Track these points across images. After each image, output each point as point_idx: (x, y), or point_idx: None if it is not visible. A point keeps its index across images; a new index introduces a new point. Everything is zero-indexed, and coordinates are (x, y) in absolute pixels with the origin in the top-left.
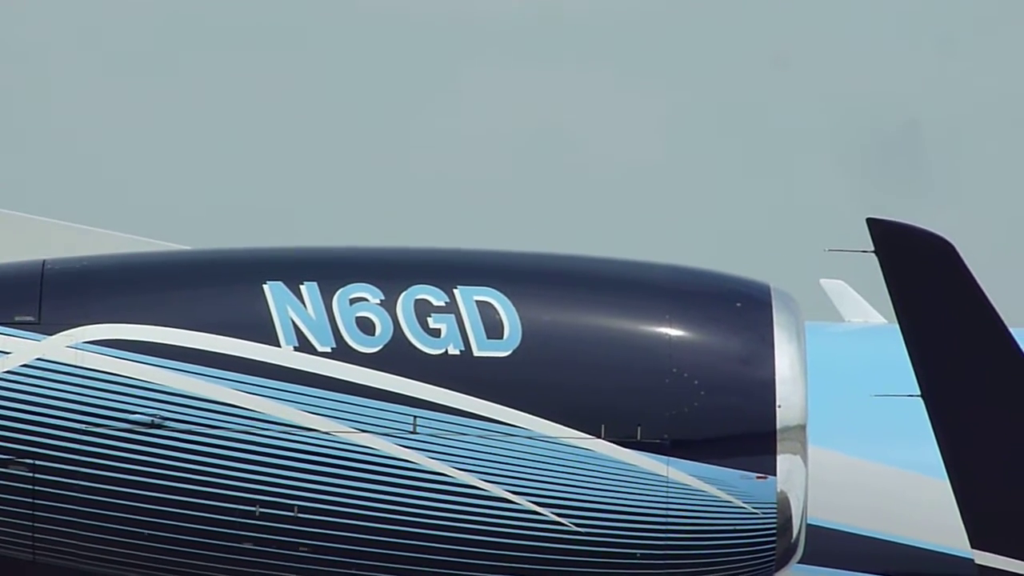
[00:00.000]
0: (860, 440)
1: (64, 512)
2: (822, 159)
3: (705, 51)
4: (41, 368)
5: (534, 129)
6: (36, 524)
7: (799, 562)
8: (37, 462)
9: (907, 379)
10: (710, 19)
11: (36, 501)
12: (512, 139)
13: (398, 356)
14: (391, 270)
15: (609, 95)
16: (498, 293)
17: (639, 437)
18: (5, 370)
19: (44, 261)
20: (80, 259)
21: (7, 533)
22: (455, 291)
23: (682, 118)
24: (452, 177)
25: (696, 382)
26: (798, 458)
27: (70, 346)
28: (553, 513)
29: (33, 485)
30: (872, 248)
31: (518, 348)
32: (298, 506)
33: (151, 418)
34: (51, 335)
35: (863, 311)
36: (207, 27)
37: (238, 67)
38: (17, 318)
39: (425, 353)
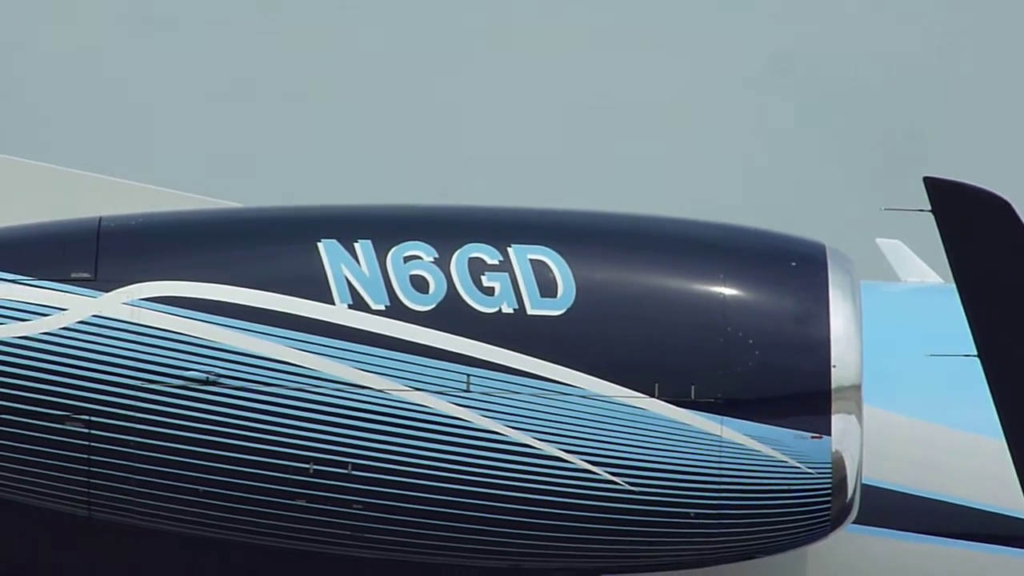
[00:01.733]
0: (916, 399)
1: (119, 468)
2: (876, 117)
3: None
4: (97, 325)
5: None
6: (92, 480)
7: (854, 522)
8: (93, 418)
9: (963, 338)
10: None
11: (92, 457)
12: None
13: (452, 314)
14: (445, 229)
15: (658, 54)
16: (552, 252)
17: (693, 396)
18: (61, 326)
19: (100, 218)
20: (135, 216)
21: (63, 489)
22: (509, 249)
23: (732, 74)
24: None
25: (751, 341)
26: (853, 418)
27: (126, 303)
28: (606, 472)
29: (89, 441)
30: (929, 207)
31: (572, 306)
32: (352, 463)
33: (206, 375)
34: (107, 292)
35: (920, 271)
36: None
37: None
38: (73, 275)
39: (479, 311)
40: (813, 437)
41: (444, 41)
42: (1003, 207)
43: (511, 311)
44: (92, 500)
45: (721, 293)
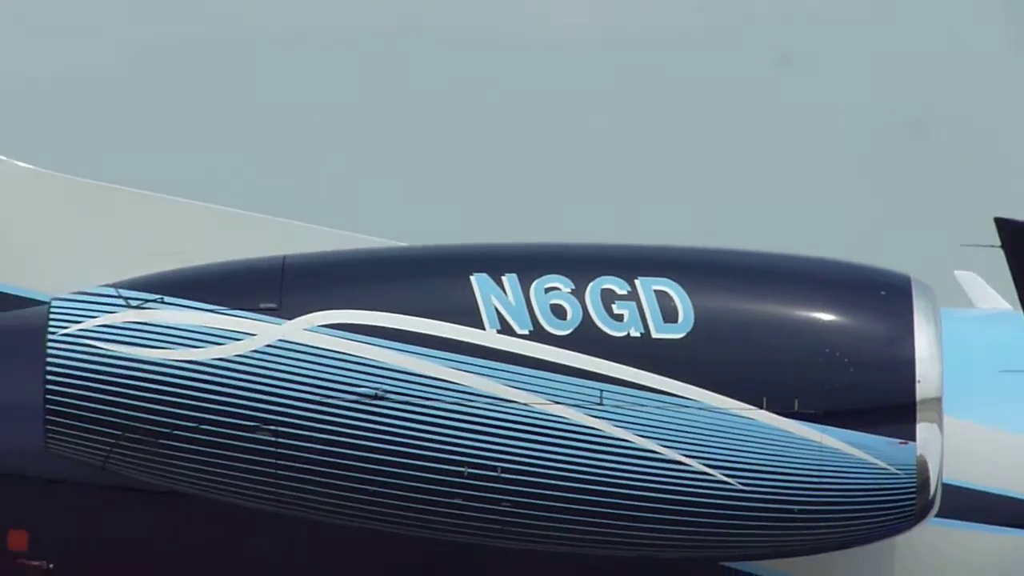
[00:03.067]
0: (989, 410)
1: (303, 472)
2: (954, 156)
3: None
4: (281, 348)
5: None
6: (280, 482)
7: (936, 516)
8: (280, 428)
9: None
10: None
11: (279, 462)
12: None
13: (586, 338)
14: (580, 263)
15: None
16: (673, 283)
17: (796, 408)
18: (251, 349)
19: (284, 256)
20: (314, 255)
21: (255, 490)
22: (636, 281)
23: (816, 115)
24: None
25: (846, 360)
26: (935, 426)
27: (307, 329)
28: (721, 474)
29: (277, 448)
30: (999, 244)
31: (691, 331)
32: (501, 467)
33: (375, 391)
34: (290, 319)
35: (992, 299)
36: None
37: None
38: (261, 304)
39: (610, 335)
40: (900, 443)
41: None
42: None
43: (638, 335)
44: (281, 498)
45: (820, 319)
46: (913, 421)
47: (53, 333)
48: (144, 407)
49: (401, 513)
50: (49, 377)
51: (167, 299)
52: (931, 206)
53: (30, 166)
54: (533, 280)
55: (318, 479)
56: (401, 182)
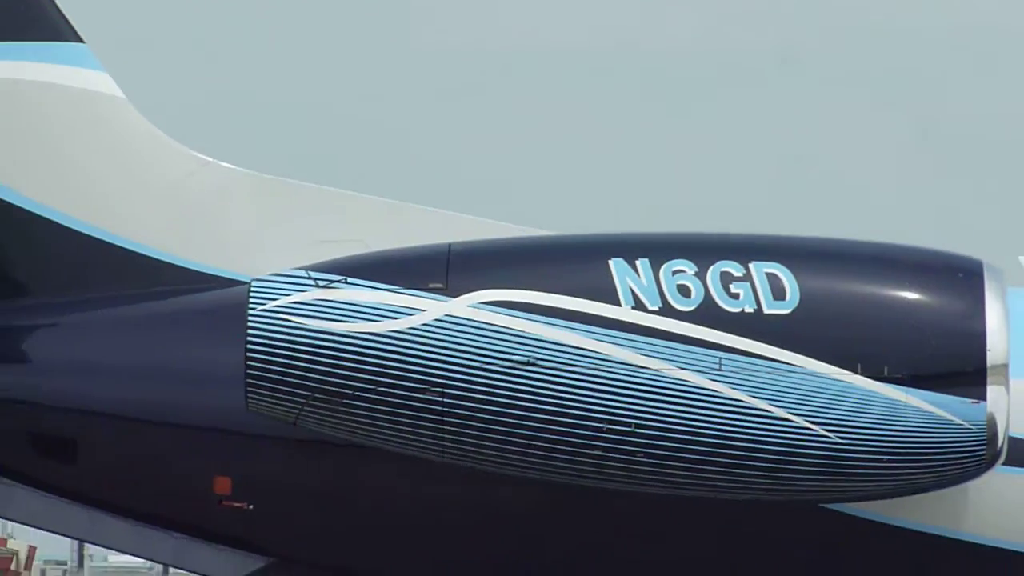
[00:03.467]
0: None
1: (463, 427)
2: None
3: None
4: (447, 322)
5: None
6: (444, 436)
7: (1006, 464)
8: (445, 390)
9: None
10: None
11: (444, 420)
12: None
13: (708, 313)
14: (702, 249)
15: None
16: (782, 266)
17: (886, 373)
18: (422, 323)
19: (449, 244)
20: (475, 242)
21: (423, 443)
22: (750, 265)
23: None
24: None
25: (928, 332)
26: (1002, 388)
27: (469, 305)
28: (823, 429)
29: (442, 407)
30: None
31: (797, 307)
32: (634, 423)
33: (527, 358)
34: (455, 297)
35: None
36: None
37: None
38: (430, 285)
39: (727, 311)
40: (973, 402)
41: None
42: None
43: (751, 311)
44: (444, 449)
45: (907, 297)
46: (984, 384)
47: (253, 309)
48: (329, 372)
49: (547, 462)
50: (249, 346)
51: (350, 280)
52: (1004, 202)
53: (232, 166)
54: (662, 264)
55: (476, 433)
56: (550, 178)
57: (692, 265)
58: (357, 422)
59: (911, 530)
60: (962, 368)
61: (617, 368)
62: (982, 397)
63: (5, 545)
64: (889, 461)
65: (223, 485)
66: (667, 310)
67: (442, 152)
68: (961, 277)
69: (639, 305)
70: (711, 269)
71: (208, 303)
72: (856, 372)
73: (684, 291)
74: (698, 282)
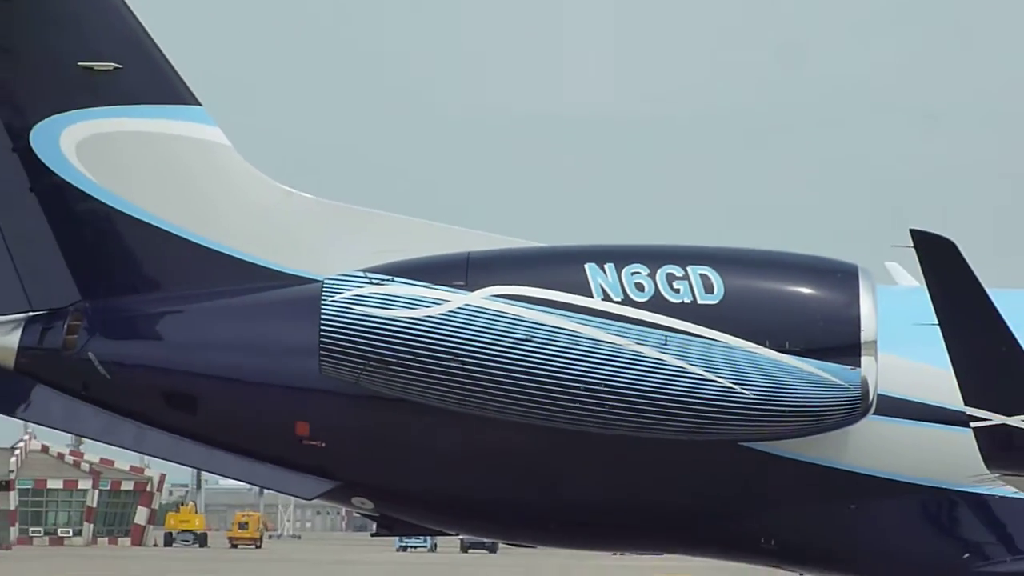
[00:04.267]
0: (905, 347)
1: (480, 386)
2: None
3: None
4: (467, 309)
5: None
6: (465, 392)
7: (878, 414)
8: (465, 359)
9: (932, 315)
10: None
11: (465, 381)
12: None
13: (656, 303)
14: (652, 256)
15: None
16: (712, 269)
17: (787, 347)
18: (448, 310)
19: (469, 253)
20: (488, 251)
21: (450, 397)
22: (688, 268)
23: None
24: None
25: (818, 317)
26: (872, 358)
27: (483, 298)
28: (741, 387)
29: (463, 372)
30: (913, 245)
31: (722, 299)
32: (604, 384)
33: (525, 336)
34: (473, 291)
35: (909, 281)
36: None
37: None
38: (454, 282)
39: (671, 301)
40: (851, 369)
41: None
42: (950, 245)
43: (689, 301)
44: (465, 402)
45: (802, 291)
46: (859, 355)
47: (326, 300)
48: (380, 346)
49: (540, 411)
50: (322, 326)
51: (396, 279)
52: (874, 218)
53: (309, 195)
54: (623, 267)
55: (488, 390)
56: (544, 205)
57: (645, 268)
58: (401, 382)
59: (808, 462)
60: (843, 344)
61: (591, 343)
62: (857, 365)
63: (143, 473)
64: (791, 411)
65: (303, 428)
66: (627, 301)
67: (467, 193)
68: (841, 277)
69: (607, 297)
70: (659, 271)
71: (293, 295)
72: (765, 346)
73: (639, 287)
74: (650, 280)
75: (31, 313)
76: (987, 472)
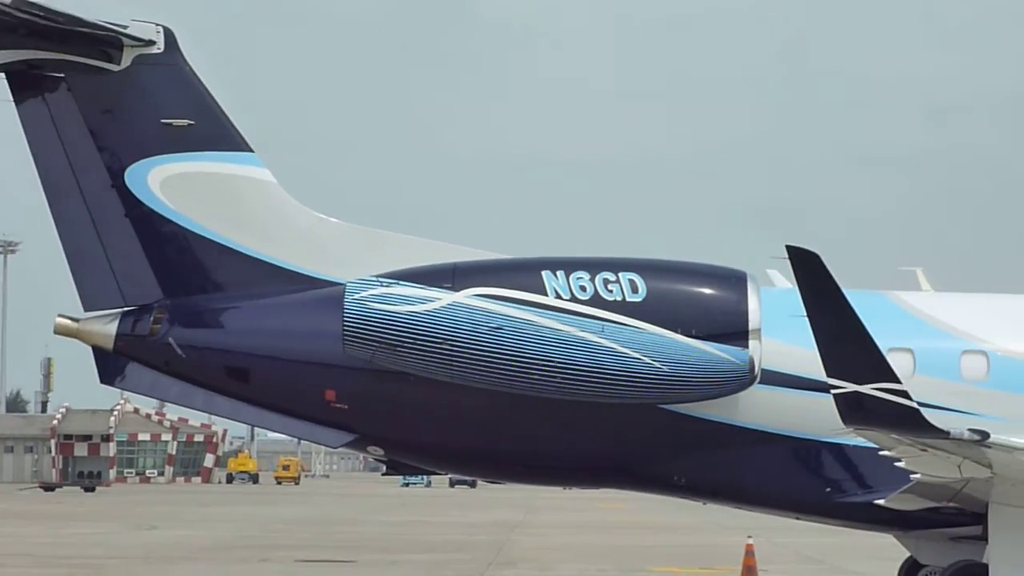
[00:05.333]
0: (783, 334)
1: (463, 362)
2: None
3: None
4: (454, 305)
5: None
6: (452, 366)
7: (762, 383)
8: (453, 343)
9: (803, 310)
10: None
11: (452, 359)
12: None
13: (595, 301)
14: (592, 266)
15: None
16: (637, 275)
17: (694, 333)
18: (440, 306)
19: (455, 263)
20: (469, 261)
21: (440, 370)
22: (619, 274)
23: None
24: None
25: (716, 311)
26: (757, 342)
27: (466, 296)
28: (659, 364)
29: (451, 353)
30: (787, 257)
31: (645, 298)
32: (557, 361)
33: (497, 325)
34: (458, 292)
35: (785, 284)
36: None
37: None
38: (444, 285)
39: (606, 300)
40: (741, 350)
41: None
42: (816, 257)
43: (620, 299)
44: (453, 375)
45: (704, 291)
46: (747, 340)
47: (348, 298)
48: (387, 332)
49: (508, 380)
50: (345, 317)
51: (400, 282)
52: (761, 232)
53: (337, 220)
54: (571, 273)
55: (469, 365)
56: (514, 226)
57: (587, 274)
58: (405, 360)
59: (710, 419)
60: (735, 331)
61: (546, 331)
62: (746, 347)
63: (210, 428)
64: (696, 381)
65: (331, 395)
66: (573, 299)
67: (459, 219)
68: (734, 281)
69: (558, 296)
70: (598, 276)
71: (323, 295)
72: (677, 333)
73: (583, 288)
74: (591, 283)
75: (125, 308)
76: (844, 428)
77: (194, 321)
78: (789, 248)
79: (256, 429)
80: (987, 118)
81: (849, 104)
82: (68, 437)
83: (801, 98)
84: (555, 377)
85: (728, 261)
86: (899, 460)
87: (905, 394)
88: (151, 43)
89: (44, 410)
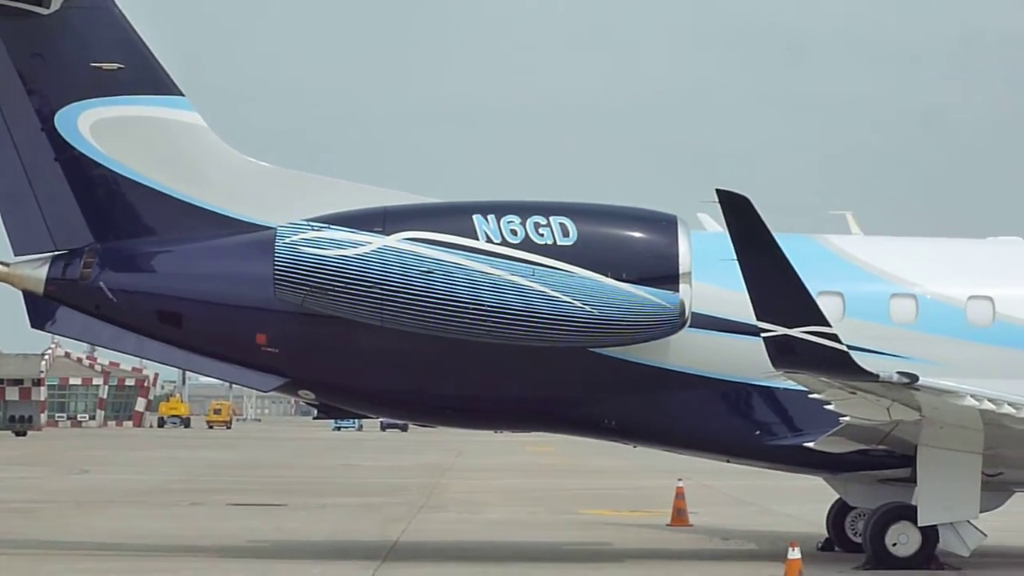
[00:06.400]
0: (713, 277)
1: (393, 305)
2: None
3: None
4: (384, 249)
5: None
6: (383, 310)
7: (692, 326)
8: (383, 286)
9: (733, 253)
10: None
11: (383, 302)
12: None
13: (527, 245)
14: (523, 210)
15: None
16: (568, 219)
17: (624, 277)
18: (371, 250)
19: (385, 207)
20: (400, 205)
21: (371, 314)
22: (550, 218)
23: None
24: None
25: (647, 254)
26: (688, 285)
27: (396, 240)
28: (590, 307)
29: (381, 294)
30: (717, 200)
31: (576, 241)
32: (488, 305)
33: (429, 268)
34: (389, 235)
35: (715, 228)
36: None
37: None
38: (375, 228)
39: (537, 243)
40: (672, 293)
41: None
42: (746, 200)
43: (551, 243)
44: (382, 317)
45: (635, 235)
46: (678, 283)
47: (279, 242)
48: (319, 276)
49: (438, 323)
50: (276, 262)
51: (331, 226)
52: (694, 181)
53: (266, 163)
54: (501, 217)
55: (399, 308)
56: (447, 168)
57: (518, 218)
58: (335, 304)
59: (640, 363)
60: (665, 274)
61: (477, 274)
62: (676, 290)
63: (141, 372)
64: (627, 324)
65: (262, 339)
66: (504, 243)
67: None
68: (664, 224)
69: (489, 240)
70: (528, 220)
71: (254, 238)
72: (608, 276)
73: (513, 232)
74: (521, 227)
75: (56, 252)
76: (774, 371)
77: (125, 265)
78: (719, 192)
79: (188, 373)
80: (919, 65)
81: (783, 51)
82: None
83: (735, 45)
84: (486, 321)
85: (659, 205)
86: (829, 403)
87: (835, 337)
88: None
89: None
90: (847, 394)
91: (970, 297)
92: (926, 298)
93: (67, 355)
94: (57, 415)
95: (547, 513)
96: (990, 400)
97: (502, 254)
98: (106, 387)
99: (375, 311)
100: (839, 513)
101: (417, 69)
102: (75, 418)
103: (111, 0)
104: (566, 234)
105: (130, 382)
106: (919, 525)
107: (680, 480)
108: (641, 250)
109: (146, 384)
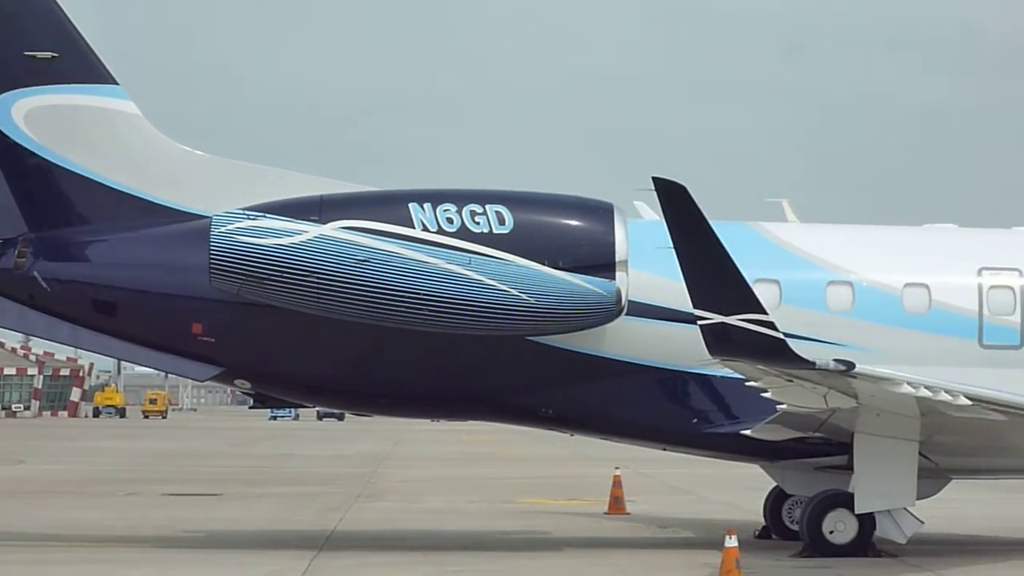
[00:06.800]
0: (649, 265)
1: (328, 294)
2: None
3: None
4: (320, 238)
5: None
6: (319, 299)
7: (629, 315)
8: (319, 275)
9: (669, 241)
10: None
11: (319, 290)
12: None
13: (463, 233)
14: (459, 198)
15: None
16: (504, 207)
17: (560, 265)
18: (307, 239)
19: (321, 195)
20: (336, 193)
21: (306, 302)
22: (486, 206)
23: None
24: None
25: (583, 243)
26: (624, 273)
27: (333, 229)
28: (526, 295)
29: (318, 283)
30: (653, 188)
31: (512, 229)
32: (423, 292)
33: (365, 257)
34: (325, 224)
35: (652, 216)
36: None
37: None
38: (311, 217)
39: (473, 232)
40: (608, 281)
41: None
42: (682, 188)
43: (487, 231)
44: (319, 307)
45: (571, 223)
46: (614, 271)
47: (214, 231)
48: (254, 265)
49: (373, 312)
50: (211, 250)
51: (267, 215)
52: (630, 169)
53: (202, 153)
54: (438, 206)
55: (334, 297)
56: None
57: (454, 206)
58: (270, 293)
59: (576, 351)
60: (602, 262)
61: (412, 263)
62: (613, 278)
63: (76, 362)
64: (563, 313)
65: (198, 328)
66: (440, 231)
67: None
68: (600, 212)
69: (425, 228)
70: (464, 208)
71: (190, 228)
72: (544, 264)
73: (449, 220)
74: (457, 215)
75: None
76: (710, 359)
77: (59, 254)
78: (655, 180)
79: (123, 363)
80: (846, 53)
81: (715, 38)
82: None
83: (670, 32)
84: (422, 310)
85: (595, 193)
86: (765, 391)
87: (771, 325)
88: None
89: None
90: (784, 382)
91: (906, 284)
92: (862, 285)
93: (1, 345)
94: None
95: (485, 502)
96: (927, 387)
97: (438, 242)
98: (41, 377)
99: (311, 300)
100: (776, 501)
101: (365, 59)
102: (9, 408)
103: None
104: (502, 222)
105: (65, 372)
106: (856, 513)
107: (617, 468)
108: (577, 238)
109: (81, 374)
